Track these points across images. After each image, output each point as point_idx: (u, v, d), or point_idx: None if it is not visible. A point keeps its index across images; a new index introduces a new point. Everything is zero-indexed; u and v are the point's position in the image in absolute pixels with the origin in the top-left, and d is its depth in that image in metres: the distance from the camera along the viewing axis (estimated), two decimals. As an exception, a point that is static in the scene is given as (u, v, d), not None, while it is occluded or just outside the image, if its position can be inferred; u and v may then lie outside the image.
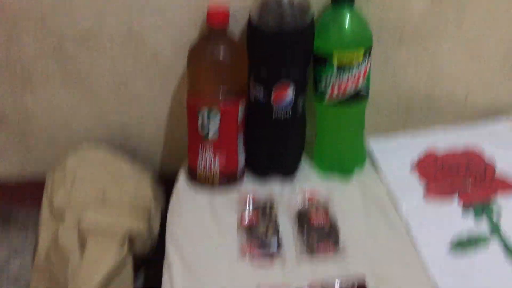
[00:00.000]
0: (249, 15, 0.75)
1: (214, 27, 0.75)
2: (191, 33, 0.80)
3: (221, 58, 0.75)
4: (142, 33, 0.82)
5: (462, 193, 0.77)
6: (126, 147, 0.94)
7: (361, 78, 0.75)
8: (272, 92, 0.74)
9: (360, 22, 0.73)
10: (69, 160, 0.88)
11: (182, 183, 0.82)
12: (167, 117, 0.90)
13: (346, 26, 0.72)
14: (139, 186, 0.88)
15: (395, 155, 0.84)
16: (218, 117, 0.76)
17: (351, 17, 0.73)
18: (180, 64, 0.84)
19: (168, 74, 0.85)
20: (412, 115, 0.88)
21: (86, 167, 0.87)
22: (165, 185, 0.92)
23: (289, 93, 0.74)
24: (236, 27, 0.79)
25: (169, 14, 0.80)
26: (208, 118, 0.76)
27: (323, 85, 0.75)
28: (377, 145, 0.85)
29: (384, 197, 0.78)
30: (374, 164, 0.84)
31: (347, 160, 0.82)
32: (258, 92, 0.75)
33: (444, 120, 0.89)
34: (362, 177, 0.82)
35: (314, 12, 0.75)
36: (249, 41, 0.75)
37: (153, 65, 0.85)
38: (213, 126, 0.76)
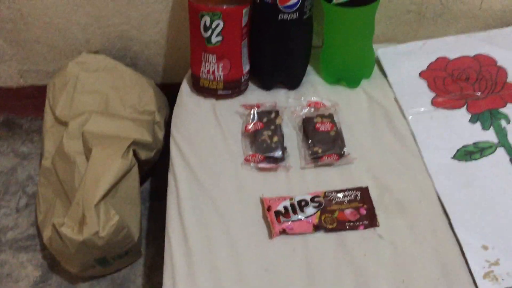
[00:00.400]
0: None
1: None
2: None
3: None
4: None
5: (471, 101, 0.76)
6: (126, 55, 0.91)
7: None
8: (278, -6, 0.70)
9: None
10: (70, 67, 0.86)
11: (185, 91, 0.80)
12: (169, 21, 0.87)
13: None
14: (142, 94, 0.87)
15: (404, 63, 0.81)
16: (221, 22, 0.72)
17: None
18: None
19: (168, -26, 0.81)
20: (425, 22, 0.84)
21: (87, 73, 0.85)
22: (168, 93, 0.91)
23: (296, -5, 0.70)
24: None
25: None
26: (211, 22, 0.72)
27: None
28: (385, 53, 0.82)
29: (391, 105, 0.77)
30: (382, 72, 0.81)
31: (355, 67, 0.79)
32: (263, -6, 0.71)
33: (458, 27, 0.85)
34: (369, 85, 0.80)
35: None
36: None
37: (151, -35, 0.80)
38: (216, 31, 0.73)
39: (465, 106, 0.75)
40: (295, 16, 0.72)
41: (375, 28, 0.77)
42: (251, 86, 0.80)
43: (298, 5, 0.71)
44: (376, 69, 0.82)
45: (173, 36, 0.89)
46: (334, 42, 0.78)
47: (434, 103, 0.76)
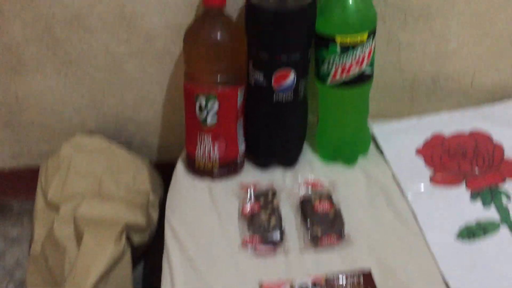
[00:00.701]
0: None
1: (210, 7, 0.71)
2: (187, 14, 0.77)
3: (218, 40, 0.72)
4: (135, 14, 0.78)
5: (470, 178, 0.75)
6: (121, 135, 0.91)
7: (365, 59, 0.71)
8: (273, 77, 0.71)
9: (364, 1, 0.70)
10: (63, 149, 0.85)
11: (180, 171, 0.79)
12: (164, 102, 0.87)
13: (350, 6, 0.68)
14: (136, 175, 0.85)
15: (400, 139, 0.81)
16: (216, 103, 0.73)
17: None
18: (175, 46, 0.80)
19: (164, 57, 0.82)
20: (417, 98, 0.85)
21: (81, 155, 0.85)
22: (163, 173, 0.90)
23: (291, 77, 0.71)
24: (234, 5, 0.75)
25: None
26: (206, 104, 0.73)
27: (325, 66, 0.72)
28: (381, 129, 0.83)
29: (389, 183, 0.76)
30: (378, 149, 0.81)
31: (351, 145, 0.79)
32: (258, 76, 0.72)
33: (450, 103, 0.86)
34: (366, 163, 0.79)
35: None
36: (247, 21, 0.72)
37: (147, 48, 0.81)
38: (211, 112, 0.73)
39: (464, 183, 0.75)
40: (290, 97, 0.73)
41: (369, 105, 0.78)
42: (247, 165, 0.80)
43: (293, 87, 0.72)
44: (372, 145, 0.82)
45: (168, 116, 0.89)
46: (329, 120, 0.78)
47: (432, 180, 0.75)
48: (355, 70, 0.72)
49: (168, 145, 0.93)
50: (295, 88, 0.72)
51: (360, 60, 0.71)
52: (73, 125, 0.89)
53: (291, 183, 0.76)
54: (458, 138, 0.81)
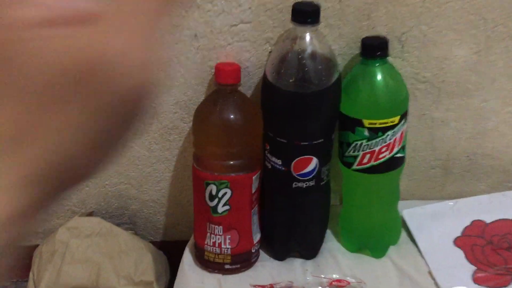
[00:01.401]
0: (264, 70, 0.64)
1: (223, 85, 0.64)
2: (198, 90, 0.70)
3: (231, 120, 0.64)
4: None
5: (519, 276, 0.65)
6: (124, 214, 0.83)
7: (397, 143, 0.63)
8: (292, 163, 0.63)
9: (395, 80, 0.62)
10: (59, 233, 0.77)
11: (188, 262, 0.70)
12: (171, 180, 0.79)
13: (379, 86, 0.61)
14: (139, 259, 0.77)
15: (435, 226, 0.72)
16: (228, 190, 0.65)
17: (384, 74, 0.62)
18: (184, 124, 0.73)
19: (171, 135, 0.75)
20: (451, 179, 0.77)
21: (79, 241, 0.76)
22: (169, 254, 0.81)
23: (312, 164, 0.63)
24: (249, 81, 0.68)
25: (171, 70, 0.69)
26: (217, 192, 0.65)
27: (351, 150, 0.64)
28: (412, 214, 0.74)
29: (425, 280, 0.66)
30: (409, 236, 0.72)
31: (379, 234, 0.70)
32: (275, 161, 0.64)
33: (488, 183, 0.77)
34: (398, 253, 0.70)
35: (341, 67, 0.64)
36: (264, 101, 0.65)
37: (154, 125, 0.74)
38: (223, 201, 0.65)
39: (511, 284, 0.65)
40: (311, 183, 0.65)
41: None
42: (263, 256, 0.71)
43: (315, 173, 0.64)
44: (403, 233, 0.72)
45: (175, 195, 0.81)
46: (354, 206, 0.70)
47: (476, 280, 0.66)
48: (385, 155, 0.64)
49: (174, 223, 0.85)
50: (318, 173, 0.64)
51: (392, 144, 0.63)
52: (71, 205, 0.82)
53: (313, 282, 0.66)
54: (500, 225, 0.72)
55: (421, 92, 0.69)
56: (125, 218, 0.84)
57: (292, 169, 0.63)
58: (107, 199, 0.81)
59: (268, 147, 0.64)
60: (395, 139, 0.63)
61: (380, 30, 0.66)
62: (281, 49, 0.62)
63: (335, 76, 0.61)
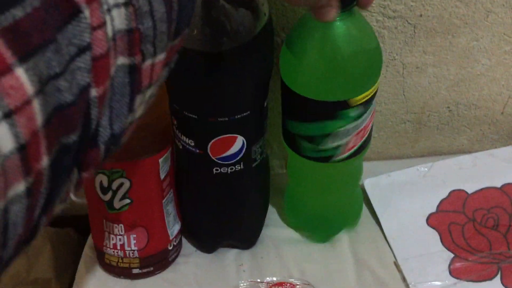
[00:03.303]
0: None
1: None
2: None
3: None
4: None
5: (507, 265, 0.52)
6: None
7: (368, 129, 0.46)
8: (209, 145, 0.45)
9: (365, 33, 0.42)
10: None
11: (87, 264, 0.54)
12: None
13: (342, 45, 0.41)
14: (33, 262, 0.61)
15: (403, 200, 0.57)
16: (125, 180, 0.47)
17: (348, 27, 0.41)
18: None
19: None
20: (425, 135, 0.60)
21: None
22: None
23: (237, 144, 0.45)
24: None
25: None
26: (109, 182, 0.47)
27: (330, 143, 0.46)
28: (375, 185, 0.58)
29: (389, 274, 0.52)
30: (373, 215, 0.57)
31: (333, 218, 0.55)
32: (187, 141, 0.46)
33: (470, 136, 0.61)
34: (357, 239, 0.55)
35: (271, 14, 0.44)
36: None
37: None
38: (120, 193, 0.48)
39: (498, 276, 0.51)
40: (238, 167, 0.47)
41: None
42: (187, 248, 0.55)
43: (242, 154, 0.46)
44: (364, 209, 0.57)
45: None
46: (304, 191, 0.54)
47: (453, 271, 0.52)
48: (368, 132, 0.46)
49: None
50: (246, 155, 0.46)
51: (362, 130, 0.45)
52: None
53: (247, 286, 0.51)
54: (486, 195, 0.57)
55: (390, 31, 0.50)
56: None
57: (209, 152, 0.45)
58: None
59: (175, 122, 0.46)
60: (374, 109, 0.45)
61: None
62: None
63: (261, 22, 0.41)
